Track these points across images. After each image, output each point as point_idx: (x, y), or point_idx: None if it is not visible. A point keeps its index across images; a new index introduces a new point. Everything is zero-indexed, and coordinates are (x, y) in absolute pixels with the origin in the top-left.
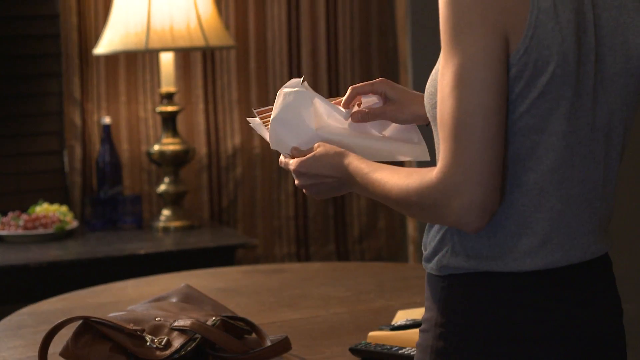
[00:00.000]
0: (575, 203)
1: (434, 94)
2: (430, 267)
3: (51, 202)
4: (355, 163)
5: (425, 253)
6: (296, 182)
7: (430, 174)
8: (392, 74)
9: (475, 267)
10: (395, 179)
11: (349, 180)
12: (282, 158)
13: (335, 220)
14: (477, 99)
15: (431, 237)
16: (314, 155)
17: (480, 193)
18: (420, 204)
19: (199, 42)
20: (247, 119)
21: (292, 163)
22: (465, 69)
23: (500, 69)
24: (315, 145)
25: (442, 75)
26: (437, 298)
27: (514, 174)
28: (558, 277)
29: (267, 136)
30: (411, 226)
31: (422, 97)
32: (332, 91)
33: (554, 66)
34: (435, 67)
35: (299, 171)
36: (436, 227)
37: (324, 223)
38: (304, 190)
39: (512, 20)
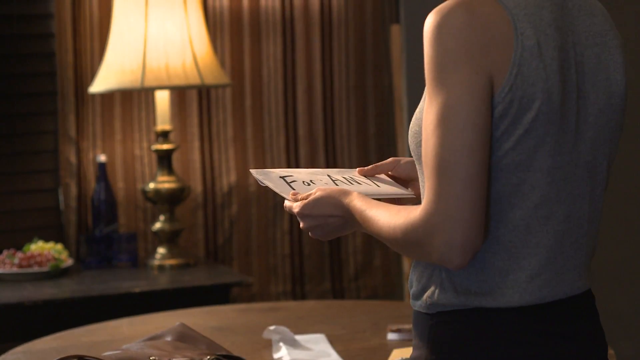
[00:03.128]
0: (561, 239)
1: (418, 133)
2: (418, 304)
3: (46, 240)
4: (355, 201)
5: (412, 290)
6: (301, 225)
7: (415, 212)
8: (388, 113)
9: (464, 304)
10: (385, 217)
11: (351, 219)
12: (286, 202)
13: (331, 258)
14: (459, 138)
15: (418, 275)
16: (315, 197)
17: (461, 231)
18: (405, 241)
19: (194, 80)
20: (250, 170)
21: (296, 206)
22: (449, 108)
23: (483, 108)
24: (315, 190)
25: (426, 114)
26: (426, 336)
27: (500, 210)
28: (546, 312)
29: (270, 184)
30: (407, 264)
31: None
32: (327, 129)
33: (539, 103)
34: (420, 105)
35: (302, 213)
36: (423, 264)
37: (320, 261)
38: (309, 233)
39: (496, 59)
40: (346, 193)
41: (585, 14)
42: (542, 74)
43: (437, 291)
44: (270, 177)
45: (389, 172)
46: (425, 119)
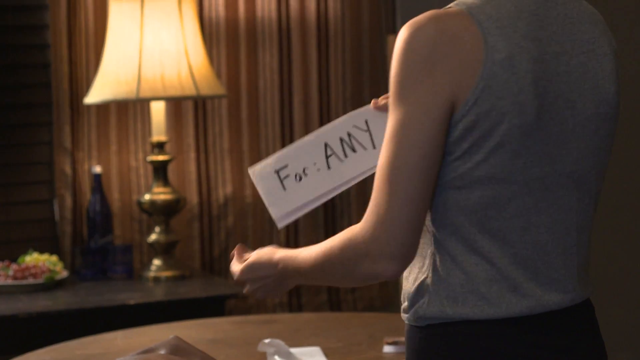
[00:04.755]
0: (543, 249)
1: None
2: (407, 317)
3: (41, 251)
4: (285, 255)
5: (403, 304)
6: (244, 290)
7: (355, 227)
8: None
9: (452, 316)
10: (319, 246)
11: (284, 273)
12: (232, 266)
13: None
14: (405, 157)
15: (408, 289)
16: (247, 263)
17: (393, 247)
18: (343, 255)
19: (190, 91)
20: (248, 169)
21: (236, 271)
22: (401, 126)
23: (434, 131)
24: (251, 254)
25: (387, 126)
26: (416, 349)
27: (478, 222)
28: (536, 324)
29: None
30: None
31: None
32: None
33: (510, 116)
34: None
35: (241, 279)
36: (412, 278)
37: None
38: (255, 296)
39: (462, 75)
40: (274, 252)
41: (571, 22)
42: (513, 87)
43: (425, 304)
44: (264, 177)
45: None
46: (386, 130)
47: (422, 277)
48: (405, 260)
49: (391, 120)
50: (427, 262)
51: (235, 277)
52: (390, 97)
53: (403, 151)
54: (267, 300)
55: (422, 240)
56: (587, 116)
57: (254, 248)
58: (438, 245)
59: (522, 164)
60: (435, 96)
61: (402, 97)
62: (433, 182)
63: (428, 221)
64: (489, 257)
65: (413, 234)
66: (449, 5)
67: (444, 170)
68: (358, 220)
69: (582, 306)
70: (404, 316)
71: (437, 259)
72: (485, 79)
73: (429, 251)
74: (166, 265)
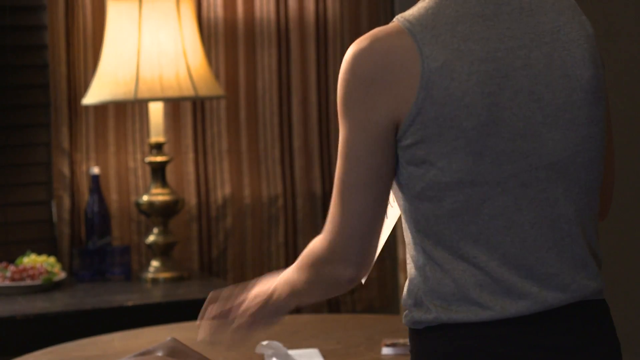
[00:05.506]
0: (532, 246)
1: None
2: (407, 321)
3: (39, 253)
4: (274, 285)
5: (405, 309)
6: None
7: (316, 241)
8: None
9: (446, 320)
10: (290, 268)
11: (279, 295)
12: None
13: None
14: (354, 173)
15: (407, 294)
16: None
17: (353, 259)
18: (315, 264)
19: (188, 92)
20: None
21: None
22: (346, 144)
23: (377, 147)
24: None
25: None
26: (415, 351)
27: (458, 228)
28: (537, 323)
29: None
30: (403, 277)
31: None
32: (322, 141)
33: (459, 120)
34: None
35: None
36: (410, 284)
37: None
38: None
39: (401, 90)
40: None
41: (528, 15)
42: (456, 92)
43: (423, 308)
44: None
45: None
46: None
47: (416, 289)
48: (361, 266)
49: (340, 137)
50: (420, 272)
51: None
52: (338, 114)
53: (349, 166)
54: None
55: (414, 251)
56: (558, 105)
57: (252, 250)
58: (426, 255)
59: (488, 164)
60: (374, 113)
61: (345, 115)
62: (383, 194)
63: (415, 233)
64: (475, 262)
65: (365, 242)
66: (393, 20)
67: (413, 182)
68: None
69: (590, 304)
70: (404, 320)
71: (428, 269)
72: (425, 89)
73: (420, 262)
74: (164, 267)
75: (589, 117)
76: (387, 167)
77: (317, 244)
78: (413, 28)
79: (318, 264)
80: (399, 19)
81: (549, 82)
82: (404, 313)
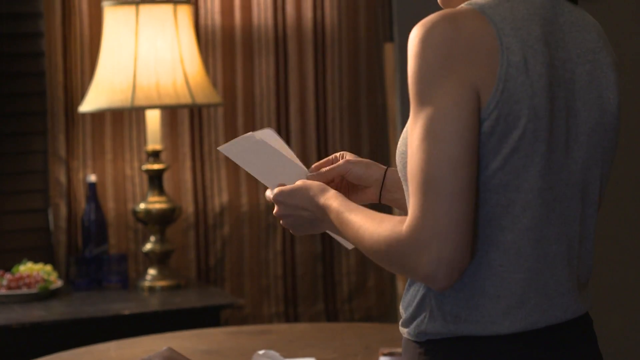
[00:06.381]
0: (552, 262)
1: (404, 153)
2: (407, 332)
3: (35, 261)
4: (331, 200)
5: (402, 317)
6: (274, 210)
7: (400, 227)
8: (381, 132)
9: (454, 332)
10: (367, 225)
11: (322, 217)
12: (268, 192)
13: (324, 279)
14: (446, 151)
15: (408, 301)
16: (293, 187)
17: (448, 249)
18: (388, 253)
19: (185, 99)
20: (218, 148)
21: (274, 191)
22: (435, 122)
23: (470, 122)
24: (299, 180)
25: (411, 130)
26: None
27: (490, 233)
28: (538, 338)
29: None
30: (401, 285)
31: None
32: (320, 148)
33: (525, 121)
34: (406, 126)
35: (277, 199)
36: (414, 290)
37: (313, 282)
38: (281, 222)
39: (482, 73)
40: (324, 190)
41: (577, 30)
42: (528, 91)
43: (426, 319)
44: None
45: (342, 176)
46: (410, 135)
47: (424, 291)
48: (460, 265)
49: (420, 120)
50: None
51: (272, 195)
52: (412, 99)
53: (444, 145)
54: (263, 309)
55: None
56: (591, 126)
57: (249, 258)
58: None
59: (535, 172)
60: (465, 89)
61: (429, 94)
62: (476, 179)
63: None
64: (499, 271)
65: (467, 235)
66: (460, 6)
67: None
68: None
69: (581, 319)
70: (402, 330)
71: None
72: (503, 81)
73: None
74: (161, 275)
75: (611, 143)
76: (476, 149)
77: (400, 236)
78: (492, 15)
79: (401, 260)
80: (473, 5)
81: (586, 101)
82: (402, 319)
